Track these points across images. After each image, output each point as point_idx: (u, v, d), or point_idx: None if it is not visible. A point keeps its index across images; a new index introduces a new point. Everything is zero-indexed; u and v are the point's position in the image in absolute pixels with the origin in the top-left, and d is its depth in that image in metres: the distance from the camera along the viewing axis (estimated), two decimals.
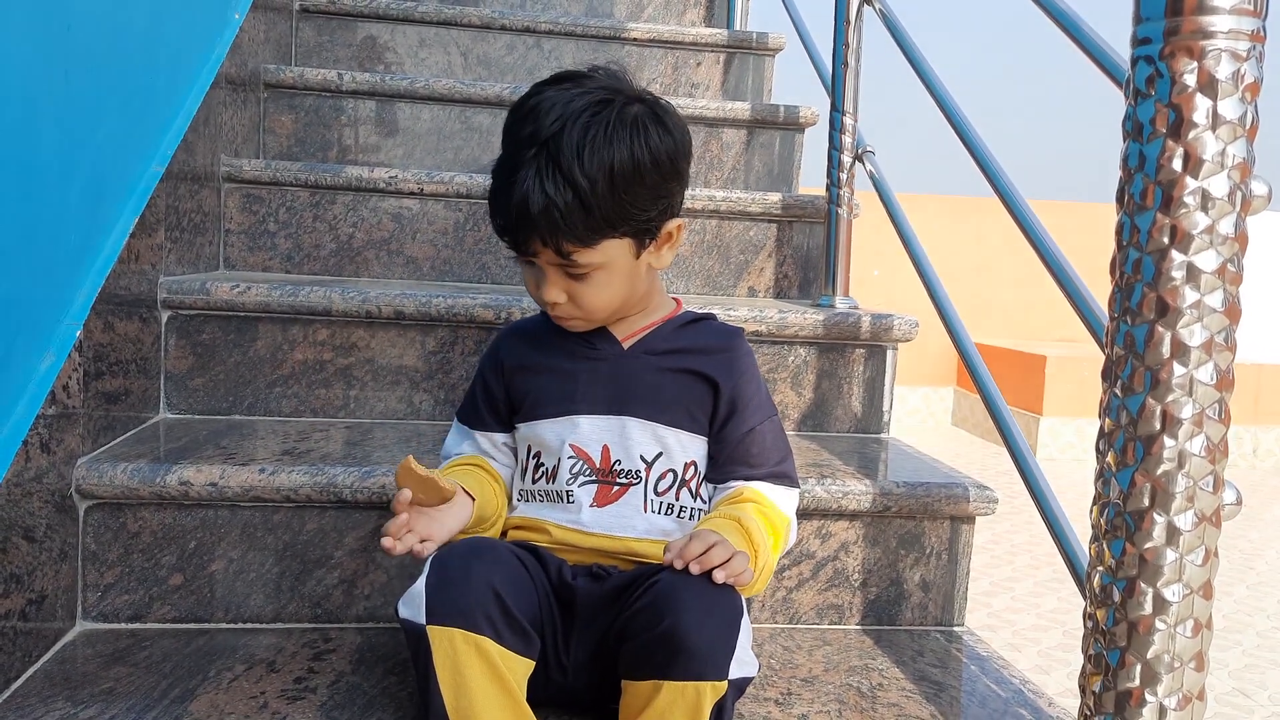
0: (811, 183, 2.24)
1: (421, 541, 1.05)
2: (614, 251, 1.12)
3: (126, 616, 1.35)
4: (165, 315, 1.61)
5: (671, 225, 1.17)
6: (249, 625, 1.37)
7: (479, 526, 1.17)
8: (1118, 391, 0.88)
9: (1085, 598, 0.94)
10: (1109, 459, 0.89)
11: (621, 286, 1.15)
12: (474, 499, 1.15)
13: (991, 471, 4.69)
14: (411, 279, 1.99)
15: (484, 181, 1.98)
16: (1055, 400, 5.34)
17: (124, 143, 1.44)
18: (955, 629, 1.48)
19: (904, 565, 1.48)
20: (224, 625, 1.37)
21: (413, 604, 1.01)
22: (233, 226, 1.94)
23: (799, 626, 1.46)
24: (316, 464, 1.36)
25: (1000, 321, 6.47)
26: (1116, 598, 0.88)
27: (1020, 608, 2.93)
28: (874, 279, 5.80)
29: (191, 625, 1.36)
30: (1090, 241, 6.36)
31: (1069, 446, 5.30)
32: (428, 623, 0.99)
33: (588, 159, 1.06)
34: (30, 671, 1.19)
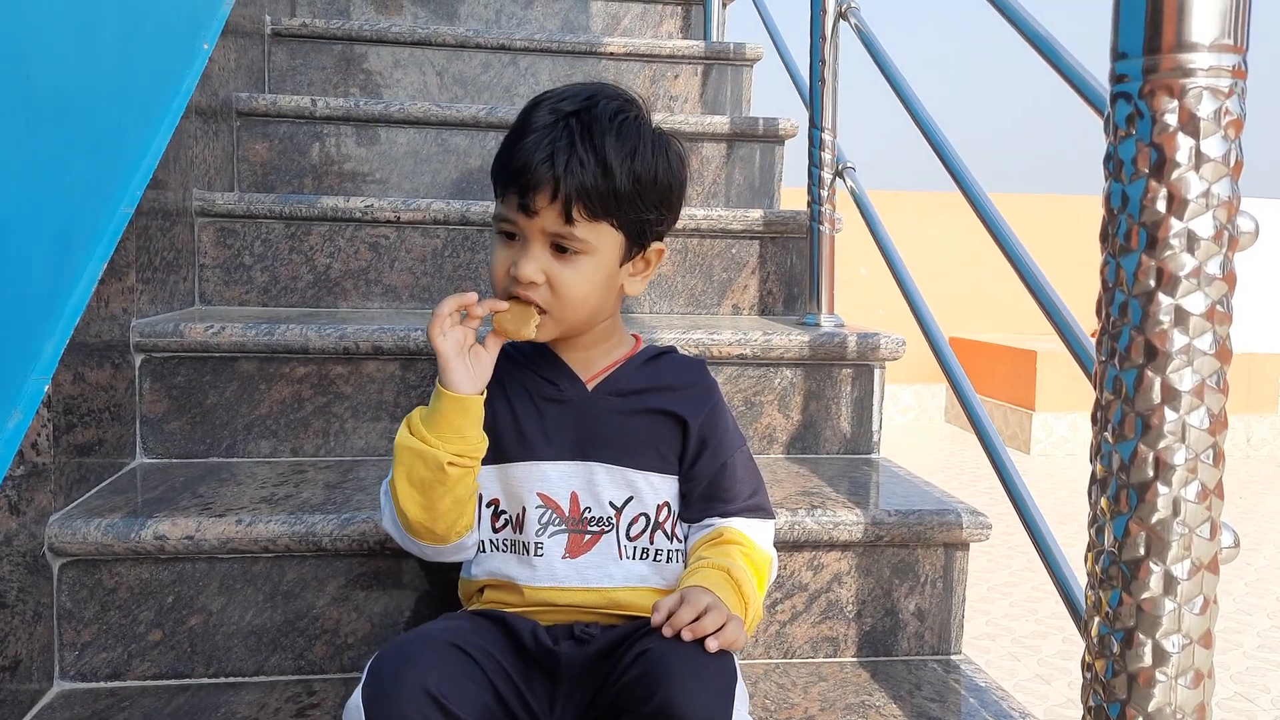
0: (794, 190, 2.22)
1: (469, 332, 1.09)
2: (606, 242, 1.11)
3: (105, 675, 1.32)
4: (139, 359, 1.58)
5: (655, 248, 1.17)
6: (230, 679, 1.34)
7: (455, 435, 1.07)
8: (1108, 437, 0.86)
9: (1083, 641, 0.92)
10: (1102, 505, 0.86)
11: (597, 289, 1.12)
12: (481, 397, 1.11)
13: (985, 470, 4.67)
14: (390, 308, 1.96)
15: (462, 208, 1.96)
16: (1047, 395, 5.33)
17: (92, 187, 1.41)
18: (953, 658, 1.46)
19: (898, 594, 1.45)
20: (205, 680, 1.34)
21: (353, 719, 0.98)
22: (207, 261, 1.91)
23: (794, 661, 1.44)
24: (295, 512, 1.34)
25: (991, 317, 6.46)
26: (1115, 649, 0.85)
27: (1018, 614, 2.91)
28: (861, 278, 5.78)
29: (172, 681, 1.33)
30: (1077, 234, 6.35)
31: (1063, 441, 5.29)
32: None
33: (615, 137, 1.09)
34: None
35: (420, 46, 2.53)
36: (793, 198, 2.19)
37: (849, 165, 1.87)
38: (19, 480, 1.19)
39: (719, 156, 2.39)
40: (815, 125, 1.86)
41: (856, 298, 5.62)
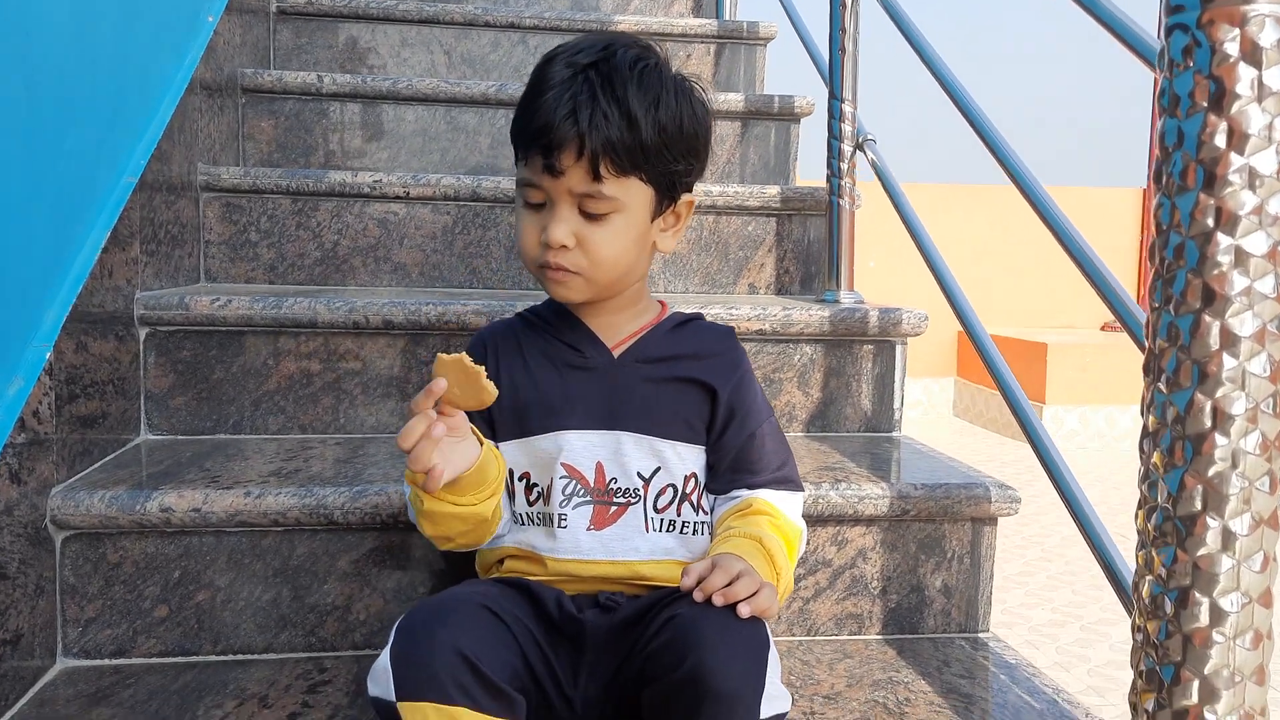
0: (809, 176, 2.18)
1: (429, 470, 0.96)
2: (636, 197, 1.06)
3: (109, 652, 1.28)
4: (143, 332, 1.54)
5: (685, 201, 1.13)
6: (239, 657, 1.30)
7: (480, 488, 1.03)
8: (1162, 386, 0.81)
9: (1133, 608, 0.88)
10: (1155, 459, 0.82)
11: (630, 247, 1.08)
12: (481, 445, 1.03)
13: (997, 463, 4.63)
14: (400, 286, 1.92)
15: (472, 183, 1.92)
16: (1057, 387, 5.28)
17: (93, 154, 1.37)
18: (980, 635, 1.42)
19: (924, 570, 1.41)
20: (212, 657, 1.30)
21: (379, 680, 0.94)
22: (213, 237, 1.87)
23: (817, 639, 1.40)
24: (306, 485, 1.30)
25: (998, 309, 6.41)
26: (1169, 609, 0.81)
27: (1034, 603, 2.87)
28: (870, 270, 5.74)
29: (179, 659, 1.29)
30: (1090, 225, 6.30)
31: (1073, 434, 5.24)
32: (398, 699, 0.91)
33: (637, 86, 1.03)
34: (7, 716, 1.12)
35: (428, 25, 2.49)
36: (808, 182, 2.15)
37: (869, 137, 1.83)
38: (20, 449, 1.15)
39: (733, 135, 2.34)
40: (835, 96, 1.81)
41: (865, 292, 5.57)
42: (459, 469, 1.00)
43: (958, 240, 6.35)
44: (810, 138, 2.39)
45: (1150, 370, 0.83)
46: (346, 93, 2.19)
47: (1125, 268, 6.52)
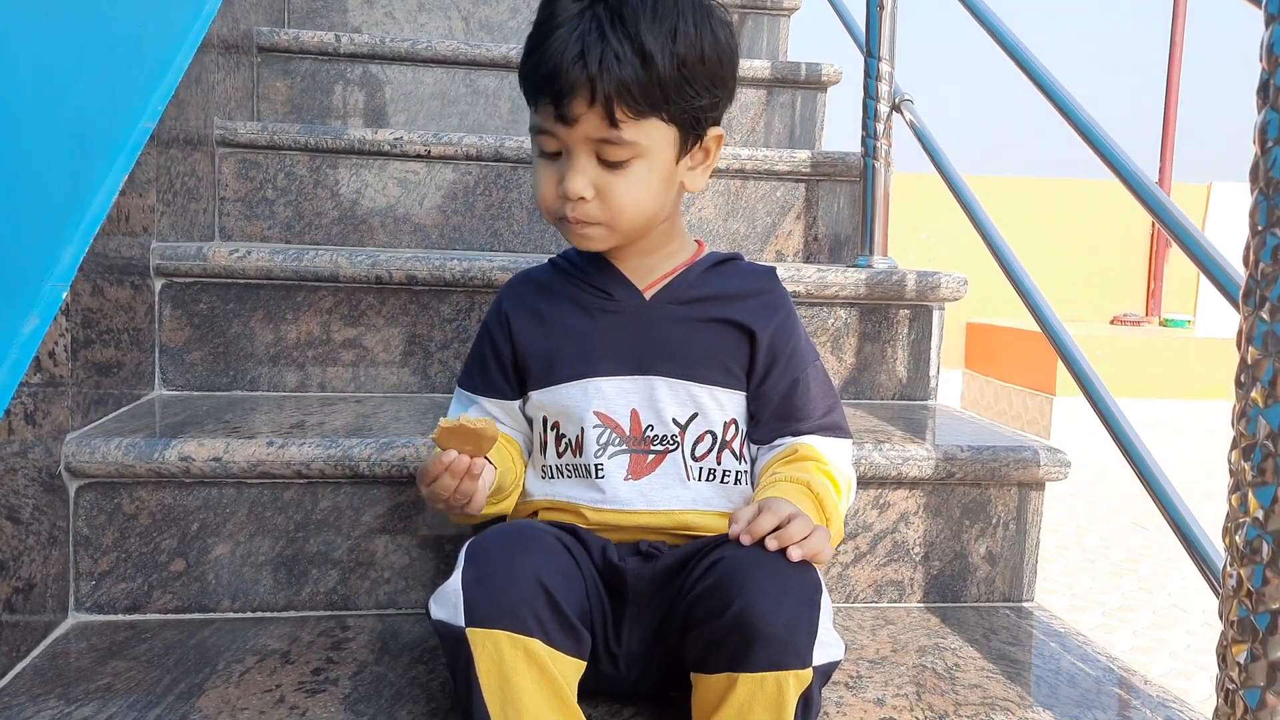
0: (835, 147, 2.13)
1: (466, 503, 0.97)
2: (658, 139, 0.99)
3: (123, 607, 1.23)
4: (159, 283, 1.49)
5: (713, 135, 1.05)
6: (258, 614, 1.25)
7: (497, 496, 1.04)
8: (1256, 398, 0.76)
9: (1227, 555, 0.83)
10: (1254, 395, 0.77)
11: (655, 192, 1.01)
12: (494, 466, 1.02)
13: None
14: (420, 247, 1.87)
15: (495, 143, 1.86)
16: (1068, 379, 5.22)
17: (111, 92, 1.32)
18: (1025, 605, 1.37)
19: (968, 537, 1.36)
20: (231, 615, 1.25)
21: (447, 604, 0.89)
22: (228, 194, 1.82)
23: (856, 605, 1.35)
24: (330, 436, 1.25)
25: (1005, 301, 6.35)
26: (1266, 553, 0.76)
27: (1054, 588, 2.82)
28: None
29: (195, 615, 1.24)
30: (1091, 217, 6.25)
31: (1081, 425, 5.19)
32: (467, 625, 0.87)
33: (650, 17, 0.95)
34: (18, 668, 1.07)
35: None
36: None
37: (907, 98, 1.78)
38: (36, 389, 1.10)
39: (758, 103, 2.29)
40: (871, 54, 1.76)
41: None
42: (481, 495, 0.99)
43: (961, 229, 6.30)
44: (837, 108, 2.34)
45: (1242, 382, 0.78)
46: (364, 53, 2.14)
47: (1137, 259, 6.48)
